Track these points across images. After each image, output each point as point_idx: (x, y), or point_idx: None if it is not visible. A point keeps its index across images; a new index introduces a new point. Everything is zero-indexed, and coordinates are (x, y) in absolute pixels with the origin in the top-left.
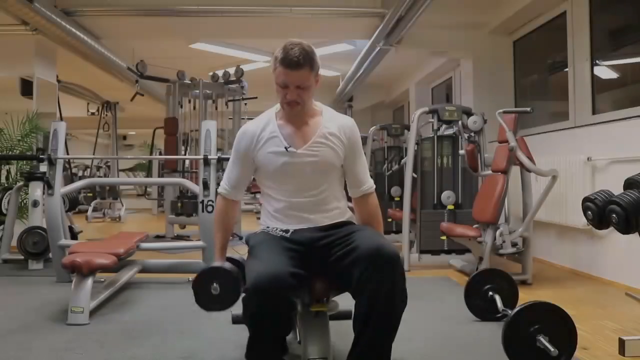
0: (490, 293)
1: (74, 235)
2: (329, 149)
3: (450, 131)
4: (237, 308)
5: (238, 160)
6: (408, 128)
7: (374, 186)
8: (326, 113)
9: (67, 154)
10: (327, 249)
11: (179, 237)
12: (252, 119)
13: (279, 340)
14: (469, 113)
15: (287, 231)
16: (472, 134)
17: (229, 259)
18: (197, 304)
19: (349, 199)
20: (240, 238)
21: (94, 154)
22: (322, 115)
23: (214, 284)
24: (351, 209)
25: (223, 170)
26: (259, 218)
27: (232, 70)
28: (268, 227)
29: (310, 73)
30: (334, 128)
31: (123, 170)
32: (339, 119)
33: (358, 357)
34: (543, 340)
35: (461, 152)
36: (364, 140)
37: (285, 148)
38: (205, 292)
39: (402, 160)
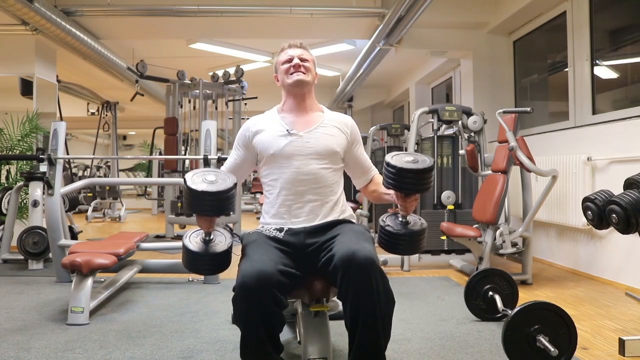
0: (490, 293)
1: (74, 235)
2: (331, 137)
3: (450, 131)
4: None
5: (238, 147)
6: (408, 128)
7: (375, 169)
8: (327, 111)
9: (67, 154)
10: (315, 253)
11: (179, 237)
12: None
13: (271, 338)
14: (469, 113)
15: (281, 230)
16: (472, 134)
17: None
18: (190, 192)
19: (355, 201)
20: (241, 239)
21: (94, 154)
22: (324, 112)
23: (209, 175)
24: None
25: None
26: (258, 218)
27: (232, 70)
28: (263, 226)
29: (311, 57)
30: (335, 123)
31: (123, 170)
32: (339, 116)
33: (354, 358)
34: (543, 340)
35: (461, 152)
36: (364, 140)
37: (288, 131)
38: (200, 183)
39: None
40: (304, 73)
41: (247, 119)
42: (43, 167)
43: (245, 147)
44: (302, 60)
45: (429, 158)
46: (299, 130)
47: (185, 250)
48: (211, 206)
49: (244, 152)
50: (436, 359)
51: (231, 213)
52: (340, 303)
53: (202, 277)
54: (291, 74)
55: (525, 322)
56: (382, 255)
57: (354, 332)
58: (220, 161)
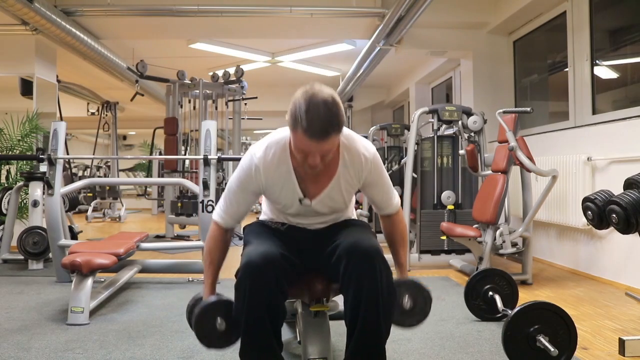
0: (490, 293)
1: (74, 235)
2: (342, 196)
3: (450, 131)
4: None
5: (244, 194)
6: (408, 128)
7: (398, 205)
8: (344, 150)
9: (67, 154)
10: (319, 244)
11: (179, 237)
12: (252, 119)
13: (274, 330)
14: (469, 113)
15: (283, 224)
16: (472, 134)
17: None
18: (201, 343)
19: (355, 201)
20: (241, 238)
21: (94, 154)
22: (339, 154)
23: (219, 320)
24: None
25: (223, 170)
26: (258, 218)
27: (232, 70)
28: (264, 219)
29: (338, 136)
30: (351, 170)
31: (123, 170)
32: (357, 159)
33: (352, 354)
34: (543, 340)
35: (461, 152)
36: None
37: (300, 200)
38: (210, 330)
39: (402, 160)
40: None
41: (247, 118)
42: (43, 167)
43: (253, 193)
44: (323, 155)
45: (427, 298)
46: (310, 194)
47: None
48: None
49: (251, 197)
50: (436, 359)
51: None
52: (340, 303)
53: (202, 277)
54: (306, 166)
55: (525, 322)
56: None
57: (354, 322)
58: (220, 161)
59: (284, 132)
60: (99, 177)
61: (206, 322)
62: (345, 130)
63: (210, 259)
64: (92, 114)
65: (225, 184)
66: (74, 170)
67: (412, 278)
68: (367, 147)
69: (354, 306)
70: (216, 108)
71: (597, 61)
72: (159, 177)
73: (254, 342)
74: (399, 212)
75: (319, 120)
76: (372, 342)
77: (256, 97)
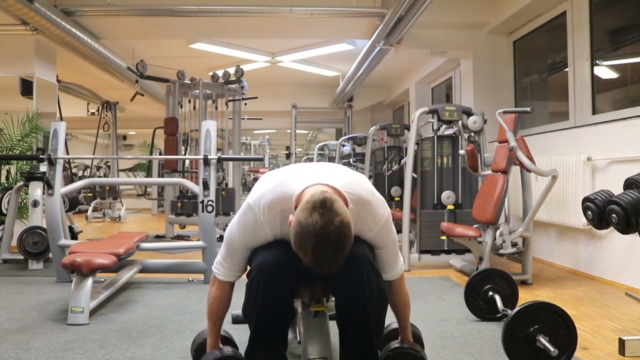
0: (490, 293)
1: (74, 235)
2: None
3: (450, 131)
4: (236, 307)
5: (248, 252)
6: (408, 128)
7: (401, 271)
8: (352, 217)
9: (67, 154)
10: None
11: (179, 237)
12: (252, 119)
13: (283, 330)
14: (469, 113)
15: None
16: (472, 134)
17: (223, 338)
18: None
19: None
20: None
21: (94, 154)
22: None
23: None
24: None
25: (223, 170)
26: None
27: (232, 70)
28: None
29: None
30: (355, 231)
31: (123, 170)
32: (358, 226)
33: (345, 356)
34: (543, 340)
35: (461, 152)
36: (364, 139)
37: None
38: None
39: (402, 160)
40: None
41: (247, 119)
42: (43, 167)
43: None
44: None
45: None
46: None
47: None
48: None
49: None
50: (436, 359)
51: (231, 213)
52: None
53: (202, 277)
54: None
55: (525, 322)
56: None
57: (346, 327)
58: (220, 161)
59: (287, 193)
60: (99, 177)
61: None
62: (362, 194)
63: (216, 315)
64: (92, 114)
65: (226, 184)
66: (74, 170)
67: (410, 347)
68: (377, 218)
69: (343, 311)
70: (216, 108)
71: (597, 61)
72: (159, 177)
73: (262, 341)
74: (401, 279)
75: (325, 261)
76: (364, 344)
77: (256, 97)
